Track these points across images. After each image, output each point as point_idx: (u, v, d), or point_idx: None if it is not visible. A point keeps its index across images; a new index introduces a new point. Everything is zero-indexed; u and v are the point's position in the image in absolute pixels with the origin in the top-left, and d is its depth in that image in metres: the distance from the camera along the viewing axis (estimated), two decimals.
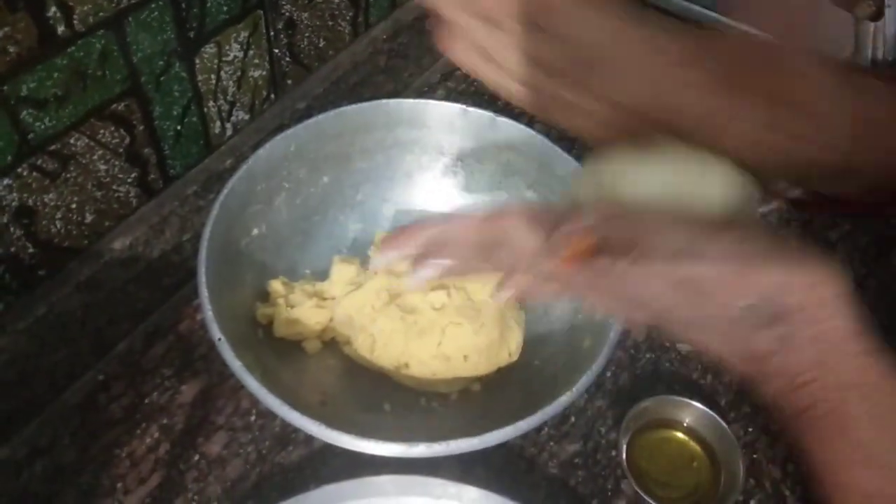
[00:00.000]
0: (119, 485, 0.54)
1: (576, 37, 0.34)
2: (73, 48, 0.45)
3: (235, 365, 0.48)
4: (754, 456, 0.58)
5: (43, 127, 0.46)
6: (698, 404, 0.57)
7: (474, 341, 0.54)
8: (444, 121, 0.63)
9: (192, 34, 0.53)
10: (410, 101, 0.62)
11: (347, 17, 0.68)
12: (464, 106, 0.63)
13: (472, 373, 0.55)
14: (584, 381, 0.49)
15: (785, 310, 0.30)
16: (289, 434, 0.57)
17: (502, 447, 0.57)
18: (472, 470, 0.55)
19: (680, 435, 0.57)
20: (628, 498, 0.55)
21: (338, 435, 0.46)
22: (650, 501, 0.54)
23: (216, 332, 0.49)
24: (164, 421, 0.57)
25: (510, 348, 0.57)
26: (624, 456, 0.55)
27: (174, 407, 0.58)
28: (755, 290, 0.30)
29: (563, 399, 0.48)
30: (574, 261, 0.31)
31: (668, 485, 0.55)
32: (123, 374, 0.59)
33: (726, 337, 0.32)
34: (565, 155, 0.60)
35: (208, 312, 0.50)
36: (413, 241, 0.37)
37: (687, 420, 0.57)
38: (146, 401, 0.58)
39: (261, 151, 0.57)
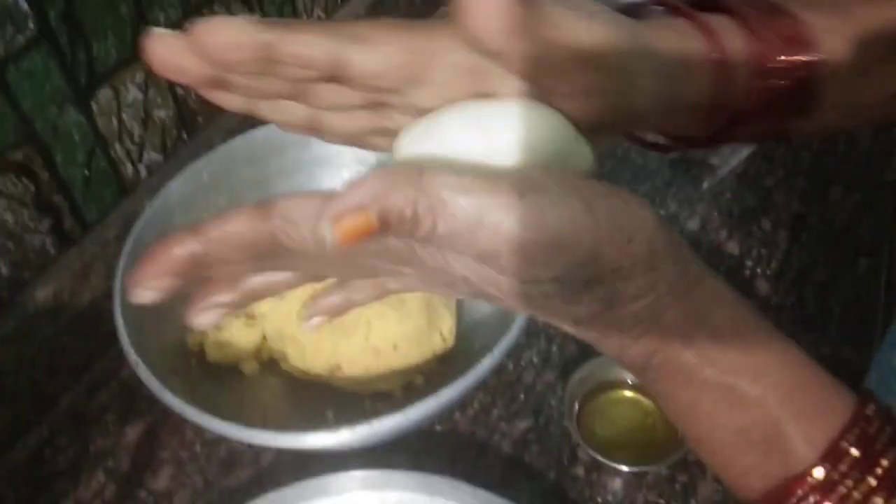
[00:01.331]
0: None
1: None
2: None
3: (153, 384, 0.48)
4: None
5: None
6: None
7: (401, 329, 0.54)
8: None
9: (83, 80, 0.55)
10: None
11: None
12: None
13: (406, 363, 0.55)
14: (505, 343, 0.48)
15: (597, 274, 0.27)
16: (234, 457, 0.56)
17: (452, 435, 0.56)
18: (423, 461, 0.53)
19: (629, 393, 0.55)
20: (586, 464, 0.53)
21: (256, 433, 0.45)
22: (608, 463, 0.52)
23: (132, 356, 0.49)
24: (110, 464, 0.56)
25: (442, 333, 0.56)
26: (575, 423, 0.54)
27: (119, 449, 0.57)
28: (559, 261, 0.26)
29: (486, 362, 0.47)
30: (353, 239, 0.25)
31: (626, 444, 0.53)
32: (68, 426, 0.58)
33: (547, 307, 0.29)
34: None
35: (124, 338, 0.50)
36: (166, 264, 0.27)
37: (631, 378, 0.55)
38: (90, 448, 0.57)
39: (172, 183, 0.58)
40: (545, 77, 0.28)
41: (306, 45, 0.27)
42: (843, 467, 0.28)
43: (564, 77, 0.28)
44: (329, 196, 0.25)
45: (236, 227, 0.26)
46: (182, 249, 0.26)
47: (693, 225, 0.68)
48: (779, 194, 0.70)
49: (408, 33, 0.28)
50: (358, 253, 0.29)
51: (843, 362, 0.57)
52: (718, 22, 0.33)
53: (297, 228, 0.26)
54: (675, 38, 0.32)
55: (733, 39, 0.33)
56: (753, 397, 0.29)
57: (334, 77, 0.28)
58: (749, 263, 0.65)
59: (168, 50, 0.26)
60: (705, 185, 0.71)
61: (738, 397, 0.29)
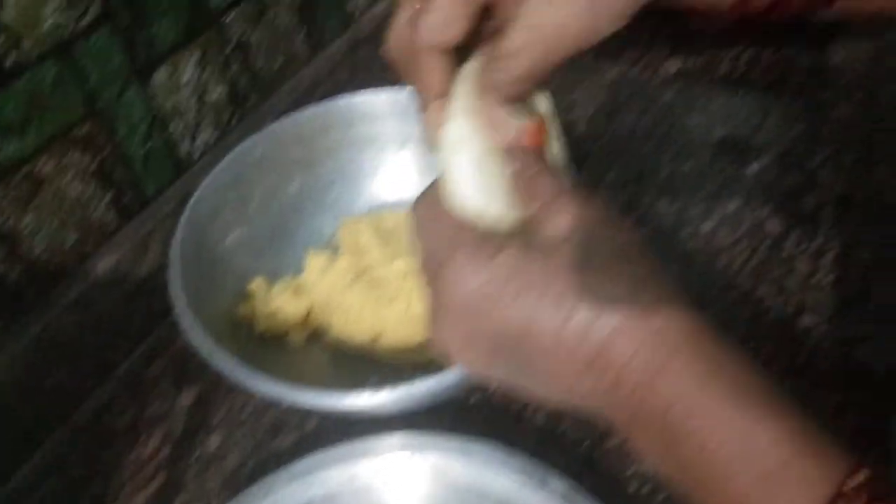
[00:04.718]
0: (125, 489, 0.56)
1: None
2: (28, 74, 0.50)
3: (205, 347, 0.50)
4: None
5: (10, 150, 0.51)
6: None
7: None
8: (397, 108, 0.66)
9: (143, 58, 0.58)
10: (360, 95, 0.65)
11: (300, 36, 0.72)
12: None
13: None
14: None
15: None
16: (280, 423, 0.58)
17: (486, 407, 0.57)
18: (457, 427, 0.55)
19: None
20: (620, 437, 0.54)
21: (298, 393, 0.47)
22: None
23: (188, 320, 0.52)
24: (165, 427, 0.59)
25: None
26: None
27: (173, 414, 0.60)
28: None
29: None
30: None
31: None
32: (126, 392, 0.62)
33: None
34: None
35: (180, 303, 0.52)
36: None
37: None
38: (147, 412, 0.60)
39: (225, 161, 0.61)
40: None
41: None
42: None
43: None
44: None
45: None
46: None
47: (735, 204, 0.68)
48: (824, 173, 0.69)
49: None
50: None
51: (883, 341, 0.57)
52: None
53: None
54: None
55: None
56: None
57: None
58: (791, 241, 0.64)
59: None
60: (750, 166, 0.71)
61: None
